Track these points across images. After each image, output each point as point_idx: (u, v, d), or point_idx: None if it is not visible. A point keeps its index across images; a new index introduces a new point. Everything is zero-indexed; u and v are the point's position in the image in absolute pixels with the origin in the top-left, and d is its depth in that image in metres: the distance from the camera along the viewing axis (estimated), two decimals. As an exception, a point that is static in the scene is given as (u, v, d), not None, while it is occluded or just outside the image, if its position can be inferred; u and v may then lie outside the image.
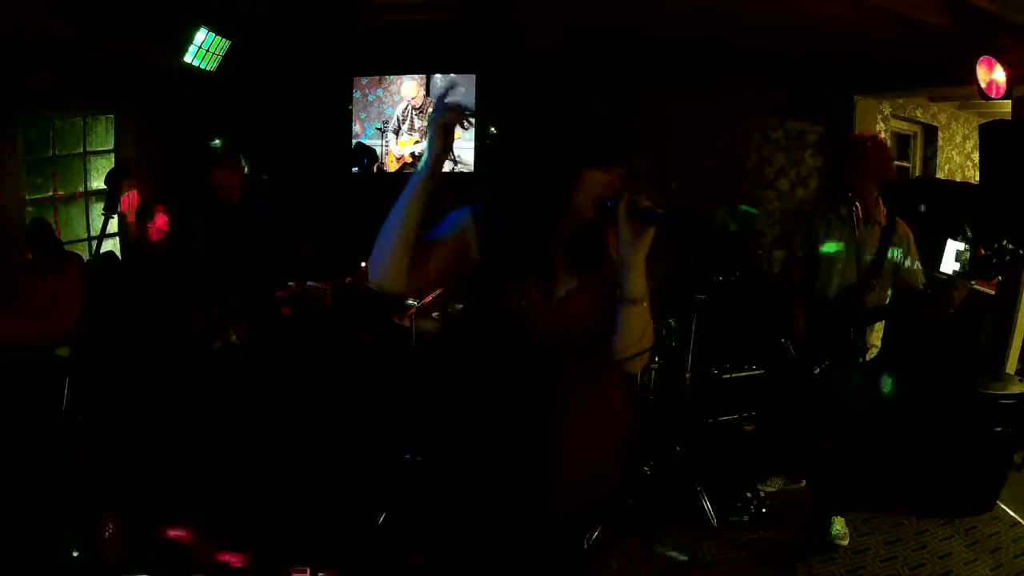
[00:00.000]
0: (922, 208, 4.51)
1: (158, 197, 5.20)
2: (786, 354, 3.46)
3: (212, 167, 4.07)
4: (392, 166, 6.15)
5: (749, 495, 3.58)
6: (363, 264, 4.49)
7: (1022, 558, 3.19)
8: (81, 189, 5.48)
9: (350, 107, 6.15)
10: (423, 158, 1.53)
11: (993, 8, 3.59)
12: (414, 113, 6.07)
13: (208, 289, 4.11)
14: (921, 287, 3.12)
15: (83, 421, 3.55)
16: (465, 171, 5.99)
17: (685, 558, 3.11)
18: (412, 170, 6.23)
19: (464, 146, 5.96)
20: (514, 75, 5.56)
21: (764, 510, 3.48)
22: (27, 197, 5.02)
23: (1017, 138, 3.85)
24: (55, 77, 4.69)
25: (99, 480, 3.35)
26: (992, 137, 4.12)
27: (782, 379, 3.88)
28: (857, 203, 3.04)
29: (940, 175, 7.16)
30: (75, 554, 2.65)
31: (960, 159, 7.45)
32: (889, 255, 3.11)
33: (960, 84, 4.11)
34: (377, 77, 6.13)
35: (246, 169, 4.16)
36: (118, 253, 5.52)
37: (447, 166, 1.59)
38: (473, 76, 5.92)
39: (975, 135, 6.75)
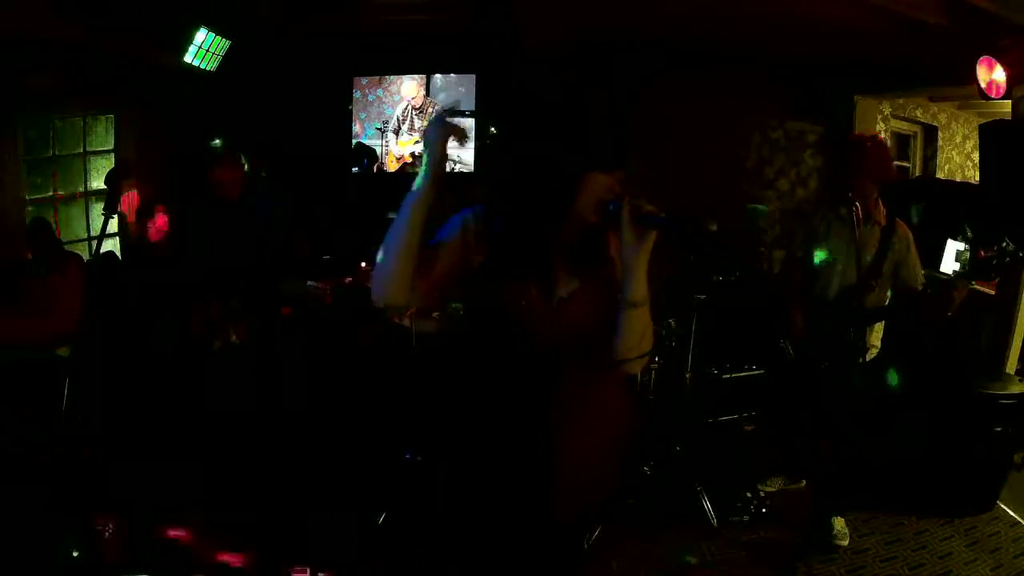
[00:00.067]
0: (915, 220, 4.51)
1: (158, 197, 5.20)
2: (785, 354, 3.46)
3: (212, 166, 4.07)
4: (392, 166, 6.16)
5: (749, 495, 3.58)
6: (363, 264, 4.50)
7: (1022, 558, 3.19)
8: (81, 189, 5.48)
9: (350, 107, 6.15)
10: (419, 176, 1.54)
11: (993, 8, 3.58)
12: (414, 113, 6.07)
13: (208, 289, 4.11)
14: (921, 287, 3.12)
15: (83, 421, 3.55)
16: (465, 171, 5.99)
17: (695, 561, 3.10)
18: (412, 170, 6.25)
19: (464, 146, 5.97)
20: (514, 75, 5.56)
21: (764, 510, 3.48)
22: (27, 197, 5.02)
23: (1017, 138, 3.85)
24: (55, 77, 4.69)
25: (99, 480, 3.35)
26: (992, 137, 4.11)
27: (782, 379, 3.88)
28: (857, 203, 3.03)
29: (940, 175, 7.15)
30: (75, 554, 2.65)
31: (960, 159, 7.45)
32: (888, 256, 3.12)
33: (960, 84, 4.10)
34: (377, 77, 6.13)
35: (246, 167, 4.16)
36: (118, 253, 5.52)
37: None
38: (473, 76, 5.93)
39: (975, 135, 6.75)
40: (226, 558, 2.82)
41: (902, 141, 7.04)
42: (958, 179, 7.31)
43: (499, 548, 1.79)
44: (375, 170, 6.08)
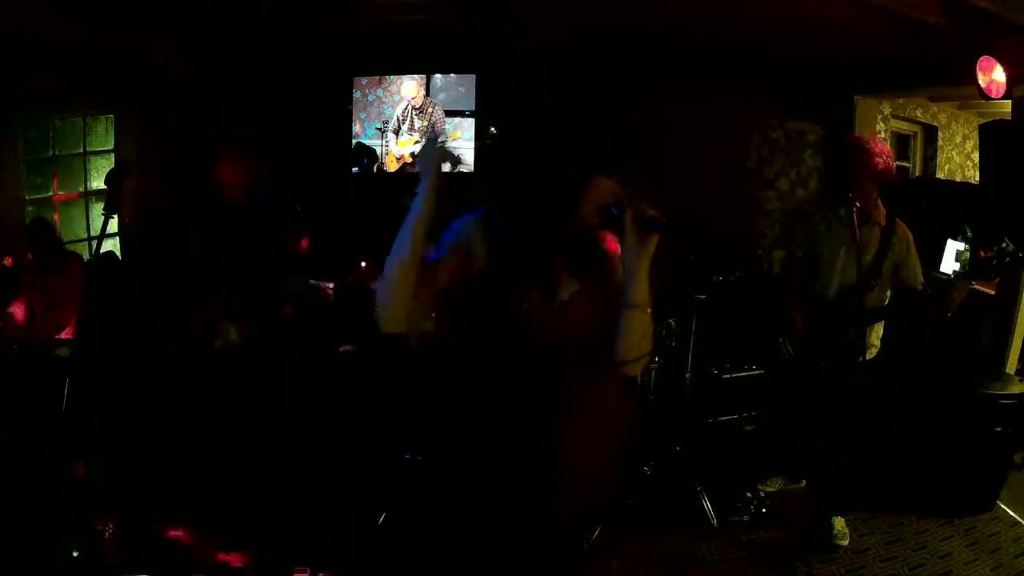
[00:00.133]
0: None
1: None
2: (784, 353, 3.46)
3: (213, 166, 4.08)
4: (392, 166, 6.15)
5: (749, 495, 3.58)
6: (363, 264, 4.50)
7: (1022, 558, 3.19)
8: (81, 189, 5.49)
9: (350, 107, 6.15)
10: (415, 206, 1.56)
11: (993, 8, 3.58)
12: (414, 113, 6.07)
13: (208, 289, 4.11)
14: (921, 287, 3.12)
15: (83, 421, 3.55)
16: (465, 171, 5.99)
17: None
18: (412, 170, 6.24)
19: (464, 146, 5.96)
20: (514, 75, 5.56)
21: (764, 510, 3.48)
22: (27, 197, 5.03)
23: (1017, 138, 3.85)
24: (55, 77, 4.69)
25: (99, 480, 3.35)
26: (992, 137, 4.11)
27: (782, 379, 3.88)
28: (857, 203, 3.03)
29: (940, 175, 7.15)
30: (75, 554, 2.64)
31: (960, 159, 7.45)
32: (888, 255, 3.11)
33: (960, 84, 4.10)
34: (377, 77, 6.12)
35: (248, 168, 4.17)
36: (118, 253, 5.52)
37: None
38: (473, 76, 5.92)
39: (975, 135, 6.74)
40: (226, 558, 2.82)
41: (902, 141, 7.04)
42: (958, 179, 7.31)
43: (499, 548, 1.79)
44: (375, 170, 6.08)
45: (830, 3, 3.95)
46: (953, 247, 4.42)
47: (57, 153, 5.28)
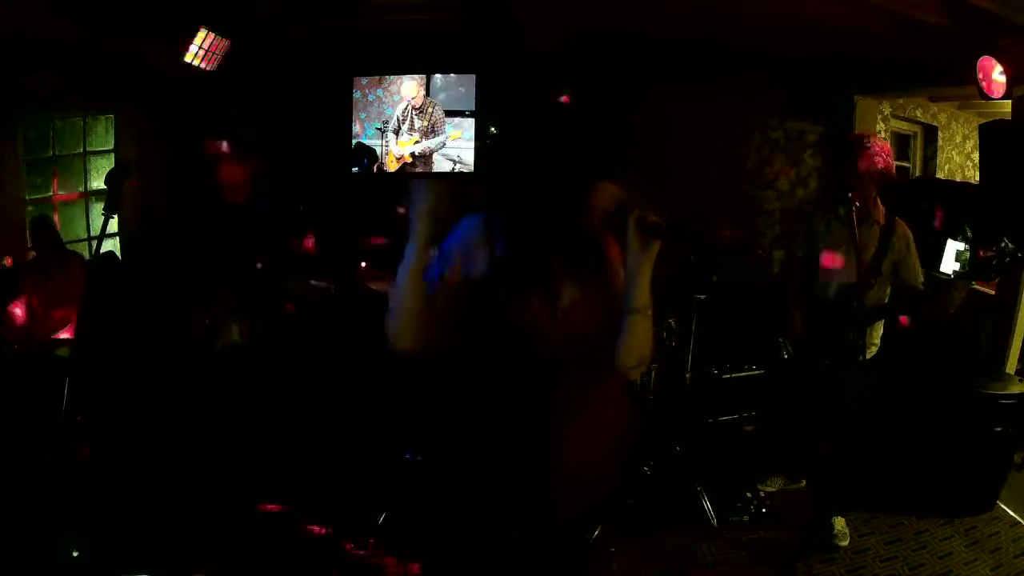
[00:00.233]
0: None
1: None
2: (783, 353, 3.46)
3: (214, 167, 4.08)
4: (392, 166, 6.15)
5: (749, 495, 3.58)
6: (363, 264, 4.50)
7: (1022, 558, 3.19)
8: (81, 189, 5.48)
9: (350, 107, 6.14)
10: (409, 245, 1.60)
11: (993, 8, 3.58)
12: (414, 113, 6.07)
13: (209, 288, 4.11)
14: (921, 286, 3.12)
15: (83, 421, 3.55)
16: (465, 171, 5.99)
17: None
18: (412, 170, 6.22)
19: (464, 146, 5.96)
20: (514, 75, 5.56)
21: (764, 510, 3.48)
22: (27, 197, 5.02)
23: (1017, 138, 3.85)
24: (55, 77, 4.69)
25: (99, 480, 3.35)
26: (992, 137, 4.11)
27: (782, 379, 3.88)
28: (856, 203, 3.03)
29: (940, 175, 7.15)
30: (75, 554, 2.64)
31: (960, 159, 7.45)
32: (888, 255, 3.11)
33: (960, 84, 4.10)
34: (377, 77, 6.12)
35: (249, 168, 4.17)
36: (118, 253, 5.52)
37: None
38: (473, 76, 5.92)
39: (975, 135, 6.75)
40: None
41: (902, 141, 7.04)
42: (958, 179, 7.31)
43: (499, 548, 1.79)
44: (375, 170, 6.07)
45: (830, 3, 3.94)
46: (953, 247, 4.42)
47: (57, 153, 5.27)
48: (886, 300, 3.23)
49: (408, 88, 6.06)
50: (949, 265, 4.40)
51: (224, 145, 5.41)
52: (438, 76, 6.03)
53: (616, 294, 1.64)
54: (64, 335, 4.11)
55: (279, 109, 5.77)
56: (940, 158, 7.21)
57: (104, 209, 2.77)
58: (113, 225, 5.09)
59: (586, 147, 1.57)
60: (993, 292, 4.35)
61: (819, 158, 5.85)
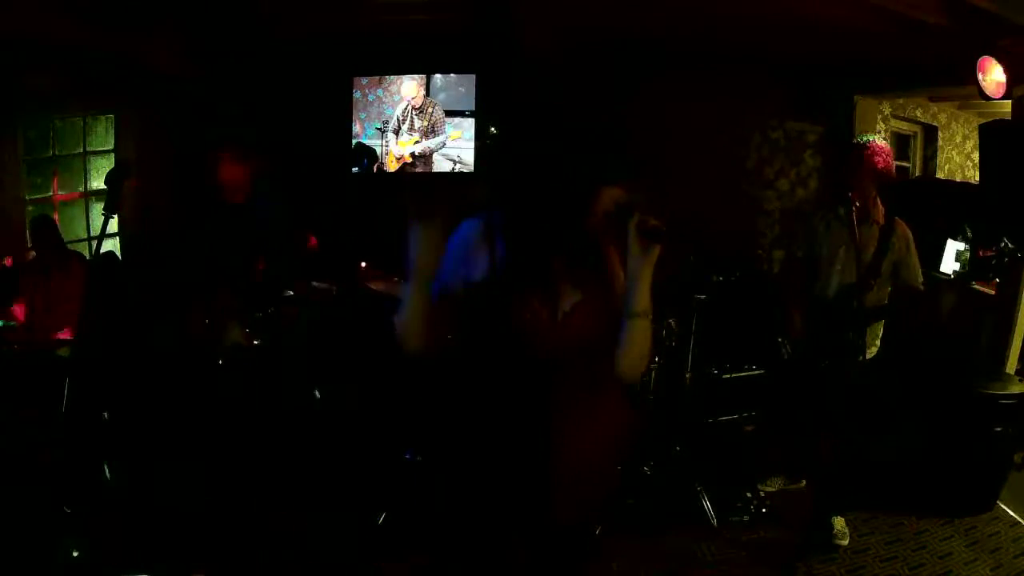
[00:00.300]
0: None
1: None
2: (783, 353, 3.46)
3: (214, 167, 4.07)
4: (392, 166, 6.15)
5: (749, 495, 3.58)
6: (363, 264, 4.49)
7: (1022, 558, 3.19)
8: (81, 189, 5.48)
9: (350, 107, 6.14)
10: (407, 290, 1.62)
11: (993, 8, 3.58)
12: (414, 113, 6.07)
13: (209, 288, 4.10)
14: (921, 286, 3.12)
15: (83, 421, 3.55)
16: (465, 171, 5.99)
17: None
18: (412, 170, 6.21)
19: (464, 146, 5.96)
20: (514, 75, 5.56)
21: (764, 510, 3.48)
22: (27, 197, 5.02)
23: (1017, 138, 3.85)
24: (55, 77, 4.69)
25: (99, 480, 3.35)
26: (992, 137, 4.11)
27: (782, 379, 3.88)
28: (856, 202, 3.04)
29: (940, 175, 7.15)
30: (75, 554, 2.64)
31: (960, 159, 7.45)
32: (887, 255, 3.12)
33: (960, 84, 4.10)
34: (377, 77, 6.12)
35: (249, 168, 4.16)
36: (118, 253, 5.52)
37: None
38: (473, 76, 5.92)
39: (975, 135, 6.75)
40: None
41: (902, 141, 7.04)
42: (958, 179, 7.31)
43: (499, 548, 1.79)
44: (375, 170, 6.08)
45: (830, 3, 3.94)
46: (953, 247, 4.43)
47: (57, 153, 5.27)
48: (886, 300, 3.23)
49: (408, 88, 6.06)
50: (949, 265, 4.41)
51: (224, 146, 5.40)
52: (438, 76, 6.03)
53: (616, 295, 1.64)
54: (64, 335, 4.11)
55: (279, 109, 5.77)
56: (940, 158, 7.21)
57: (104, 209, 2.77)
58: (113, 225, 5.08)
59: (586, 148, 1.57)
60: (993, 292, 4.35)
61: (819, 158, 5.86)
